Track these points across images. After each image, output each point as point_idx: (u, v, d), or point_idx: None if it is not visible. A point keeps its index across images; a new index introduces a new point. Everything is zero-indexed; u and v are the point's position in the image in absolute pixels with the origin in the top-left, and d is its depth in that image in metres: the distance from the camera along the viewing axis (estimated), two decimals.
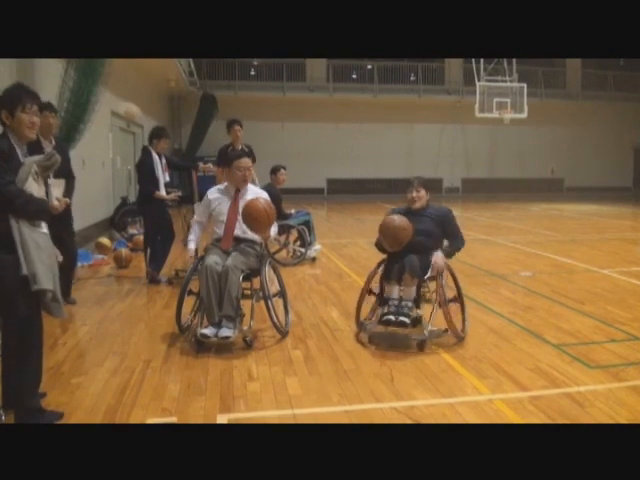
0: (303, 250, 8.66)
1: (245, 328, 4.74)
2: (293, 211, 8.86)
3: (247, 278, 4.91)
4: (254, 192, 5.21)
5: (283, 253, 8.87)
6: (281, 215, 7.95)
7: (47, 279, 3.18)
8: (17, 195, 3.13)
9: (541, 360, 4.45)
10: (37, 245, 3.18)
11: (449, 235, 4.99)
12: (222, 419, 3.41)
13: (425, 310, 4.82)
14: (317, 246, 8.94)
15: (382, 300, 4.83)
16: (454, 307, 4.92)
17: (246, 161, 5.19)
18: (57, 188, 3.59)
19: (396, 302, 4.71)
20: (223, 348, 4.60)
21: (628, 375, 4.19)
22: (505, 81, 20.85)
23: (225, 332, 4.51)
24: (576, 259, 8.98)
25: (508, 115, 20.79)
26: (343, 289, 6.96)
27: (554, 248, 10.15)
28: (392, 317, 4.63)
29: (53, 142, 5.76)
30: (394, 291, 4.77)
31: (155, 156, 7.16)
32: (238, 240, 5.00)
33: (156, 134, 7.26)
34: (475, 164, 25.76)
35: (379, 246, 5.07)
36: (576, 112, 25.79)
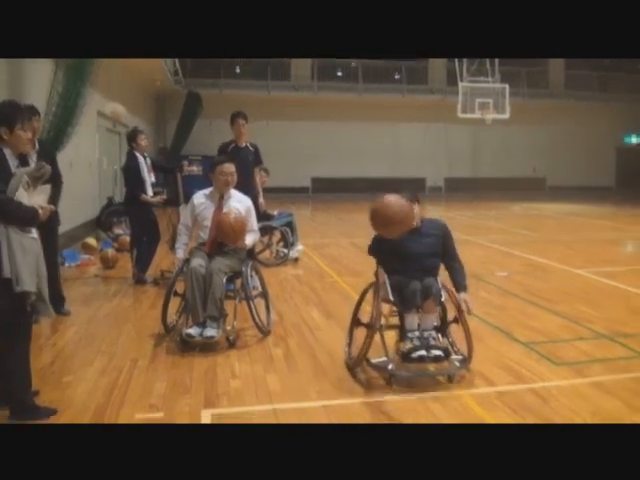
0: (286, 251, 8.86)
1: (228, 328, 4.94)
2: (276, 212, 9.05)
3: (230, 280, 5.11)
4: (237, 199, 5.39)
5: (266, 254, 9.05)
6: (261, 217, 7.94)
7: (31, 281, 3.38)
8: (5, 203, 3.32)
9: (510, 358, 4.69)
10: (23, 249, 3.38)
11: (448, 254, 4.48)
12: (206, 414, 3.62)
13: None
14: (299, 247, 9.14)
15: (404, 334, 4.22)
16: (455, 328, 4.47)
17: (229, 166, 5.36)
18: (42, 195, 3.67)
19: (417, 333, 4.17)
20: (207, 347, 4.80)
21: (592, 371, 4.44)
22: (487, 82, 21.13)
23: (209, 332, 4.71)
24: (551, 259, 9.24)
25: (490, 115, 21.05)
26: (324, 289, 7.18)
27: (531, 248, 10.42)
28: (424, 352, 4.05)
29: (37, 146, 5.79)
30: (414, 321, 4.24)
31: (140, 158, 7.33)
32: (221, 244, 5.19)
33: (131, 136, 7.44)
34: (458, 163, 26.06)
35: (374, 251, 4.51)
36: (559, 112, 26.13)
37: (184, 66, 22.07)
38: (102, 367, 4.44)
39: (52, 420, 3.52)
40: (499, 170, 26.20)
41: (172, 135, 21.71)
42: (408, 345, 4.10)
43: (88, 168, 11.97)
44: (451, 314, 4.40)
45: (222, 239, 5.07)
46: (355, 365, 4.31)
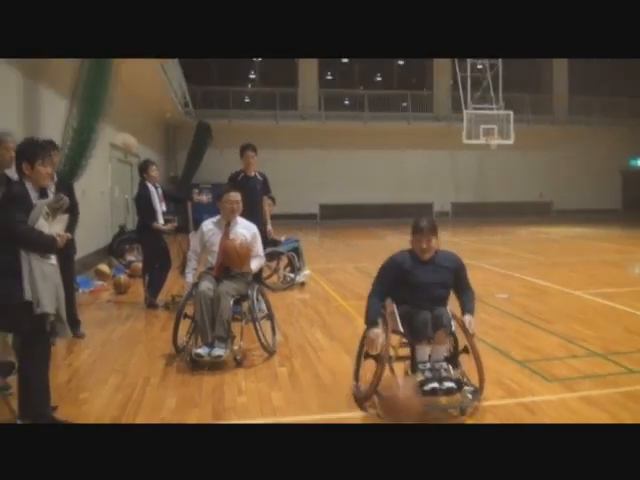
0: (292, 275, 9.13)
1: (235, 348, 5.19)
2: (283, 238, 9.34)
3: (237, 303, 5.38)
4: (243, 226, 5.68)
5: (274, 278, 9.32)
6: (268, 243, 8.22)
7: (50, 304, 3.69)
8: (27, 232, 3.64)
9: (504, 374, 4.90)
10: (43, 275, 3.68)
11: (461, 285, 4.43)
12: None
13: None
14: (306, 271, 9.41)
15: (415, 365, 4.15)
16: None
17: (235, 195, 5.66)
18: (60, 224, 3.96)
19: (428, 365, 4.11)
20: (216, 366, 5.05)
21: (581, 386, 4.65)
22: (492, 109, 21.53)
23: (217, 351, 4.97)
24: (552, 281, 9.45)
25: (495, 141, 21.43)
26: (329, 312, 7.43)
27: (533, 270, 10.63)
28: (436, 384, 3.99)
29: (55, 178, 6.14)
30: (425, 352, 4.17)
31: (151, 188, 7.67)
32: (228, 268, 5.46)
33: (143, 167, 7.82)
34: (464, 188, 26.37)
35: (375, 301, 4.30)
36: (563, 137, 26.48)
37: (194, 97, 22.60)
38: (116, 384, 4.71)
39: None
40: (505, 195, 26.48)
41: (182, 164, 22.15)
42: (420, 377, 4.03)
43: (100, 197, 12.34)
44: (462, 344, 4.27)
45: (228, 264, 5.36)
46: (365, 399, 4.20)
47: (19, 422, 3.76)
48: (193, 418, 4.01)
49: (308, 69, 25.37)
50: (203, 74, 24.01)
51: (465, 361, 4.27)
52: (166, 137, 23.11)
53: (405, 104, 25.64)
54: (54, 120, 7.84)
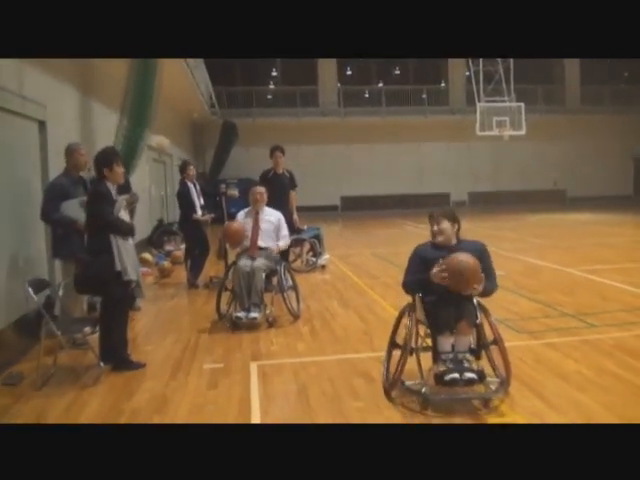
0: (315, 259, 10.33)
1: (268, 312, 6.40)
2: (305, 227, 10.52)
3: (267, 278, 6.58)
4: (269, 213, 6.95)
5: (298, 262, 10.52)
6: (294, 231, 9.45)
7: (133, 273, 4.92)
8: (115, 221, 4.87)
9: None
10: (127, 252, 4.93)
11: (486, 273, 4.16)
12: (253, 365, 5.07)
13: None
14: (326, 255, 10.60)
15: (437, 356, 4.11)
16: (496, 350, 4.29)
17: (260, 188, 7.00)
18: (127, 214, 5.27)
19: (451, 356, 4.06)
20: (252, 327, 6.27)
21: (546, 336, 5.78)
22: (504, 101, 22.44)
23: (253, 314, 6.20)
24: (548, 261, 10.51)
25: (507, 132, 22.33)
26: (345, 288, 8.62)
27: (534, 252, 11.68)
28: (457, 375, 3.94)
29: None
30: (448, 343, 4.13)
31: (190, 185, 8.94)
32: (260, 249, 6.67)
33: (182, 167, 9.19)
34: (480, 178, 27.34)
35: (409, 287, 4.34)
36: (576, 126, 27.30)
37: (220, 98, 23.86)
38: (173, 340, 5.97)
39: (141, 370, 4.99)
40: (520, 184, 27.40)
41: (210, 161, 23.43)
42: (441, 367, 4.00)
43: (141, 194, 13.57)
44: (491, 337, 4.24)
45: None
46: (391, 387, 4.24)
47: (102, 365, 4.94)
48: (237, 359, 5.24)
49: (327, 67, 26.48)
50: (227, 75, 25.25)
51: (495, 353, 4.23)
52: (194, 136, 24.42)
53: (424, 97, 26.63)
54: (105, 130, 9.10)
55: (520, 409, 4.06)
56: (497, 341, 4.18)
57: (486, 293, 4.25)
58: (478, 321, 4.16)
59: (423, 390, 4.02)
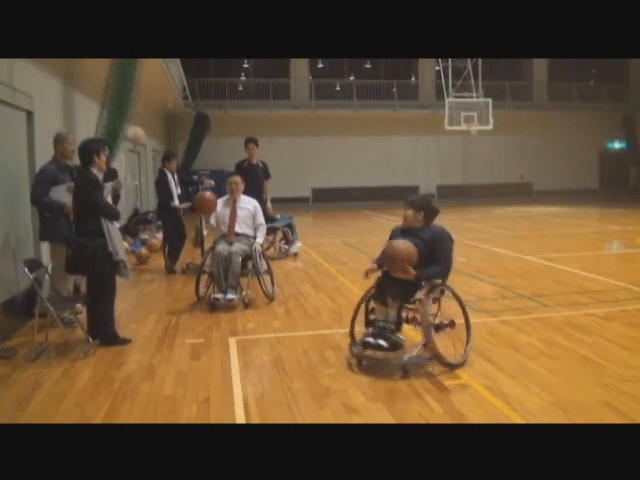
0: (287, 247, 10.75)
1: (244, 294, 6.81)
2: (278, 216, 10.94)
3: (243, 262, 6.98)
4: (246, 200, 7.32)
5: (271, 250, 10.92)
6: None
7: (122, 254, 5.29)
8: (105, 206, 5.25)
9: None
10: (116, 234, 5.30)
11: (434, 256, 4.68)
12: (232, 340, 5.48)
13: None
14: (298, 243, 11.04)
15: (368, 321, 4.84)
16: (452, 333, 4.95)
17: (235, 177, 7.34)
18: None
19: (380, 324, 4.68)
20: (229, 307, 6.68)
21: (501, 314, 6.30)
22: (472, 97, 23.02)
23: (230, 296, 6.60)
24: (509, 249, 11.08)
25: (475, 127, 22.92)
26: (317, 273, 9.08)
27: (497, 242, 12.26)
28: (371, 339, 4.59)
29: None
30: (382, 313, 4.78)
31: (169, 174, 9.28)
32: (237, 235, 7.06)
33: (166, 157, 9.52)
34: (449, 172, 27.93)
35: (377, 260, 4.97)
36: (543, 122, 28.01)
37: (192, 89, 24.05)
38: (156, 319, 6.36)
39: (127, 345, 5.37)
40: (488, 177, 28.01)
41: (182, 153, 23.63)
42: (369, 332, 4.70)
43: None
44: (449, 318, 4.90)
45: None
46: (350, 335, 4.87)
47: (90, 340, 5.31)
48: (216, 335, 5.65)
49: (299, 61, 26.70)
50: (200, 67, 25.38)
51: (450, 336, 4.92)
52: (166, 127, 24.58)
53: (391, 93, 27.12)
54: (86, 121, 9.38)
55: (474, 373, 4.57)
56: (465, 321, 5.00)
57: (431, 276, 4.71)
58: (413, 299, 4.74)
59: (353, 348, 4.76)
